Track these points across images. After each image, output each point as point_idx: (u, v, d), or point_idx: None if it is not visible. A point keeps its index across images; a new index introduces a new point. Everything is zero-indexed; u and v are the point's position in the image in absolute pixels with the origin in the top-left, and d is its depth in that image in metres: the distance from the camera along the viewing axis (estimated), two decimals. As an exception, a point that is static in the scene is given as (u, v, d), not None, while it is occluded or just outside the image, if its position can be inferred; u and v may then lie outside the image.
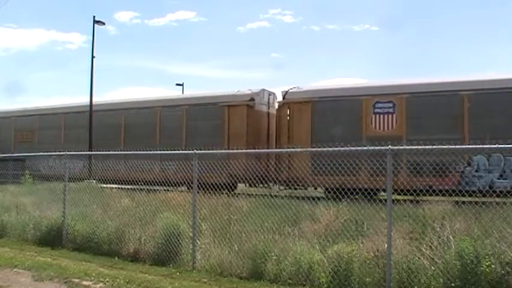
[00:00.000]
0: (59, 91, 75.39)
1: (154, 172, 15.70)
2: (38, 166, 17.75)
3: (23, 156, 15.59)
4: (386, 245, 5.63)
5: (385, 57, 63.35)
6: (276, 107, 17.28)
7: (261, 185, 15.03)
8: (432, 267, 5.55)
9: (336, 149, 7.24)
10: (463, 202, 7.61)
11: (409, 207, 7.83)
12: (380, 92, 14.79)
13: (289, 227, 7.14)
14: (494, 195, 7.43)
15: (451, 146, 6.45)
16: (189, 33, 69.71)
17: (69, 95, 77.89)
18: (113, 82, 70.92)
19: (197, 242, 7.04)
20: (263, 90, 17.42)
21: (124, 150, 16.94)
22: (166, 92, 50.36)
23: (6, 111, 24.50)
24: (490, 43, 60.41)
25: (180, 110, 18.19)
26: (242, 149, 13.97)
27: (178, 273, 6.72)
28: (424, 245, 5.91)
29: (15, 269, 7.08)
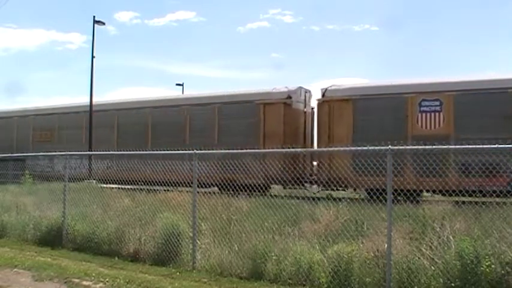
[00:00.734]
0: (59, 91, 75.41)
1: (183, 173, 15.04)
2: (57, 166, 17.29)
3: (23, 156, 15.58)
4: (386, 245, 5.63)
5: (385, 57, 63.36)
6: (312, 105, 16.81)
7: (298, 187, 14.31)
8: (432, 267, 5.55)
9: (335, 149, 7.19)
10: (463, 202, 7.60)
11: (409, 207, 7.83)
12: (426, 89, 14.26)
13: (289, 227, 7.14)
14: (494, 195, 7.35)
15: (451, 146, 6.41)
16: (189, 33, 69.73)
17: (69, 95, 77.93)
18: (113, 82, 70.92)
19: (197, 242, 7.04)
20: (300, 87, 16.78)
21: (151, 150, 16.13)
22: (167, 92, 50.29)
23: (23, 109, 23.73)
24: (490, 43, 60.43)
25: (211, 109, 17.48)
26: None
27: (178, 273, 6.72)
28: (424, 245, 5.91)
29: (15, 269, 7.08)
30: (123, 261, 7.56)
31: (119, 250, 7.87)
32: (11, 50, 69.80)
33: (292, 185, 13.89)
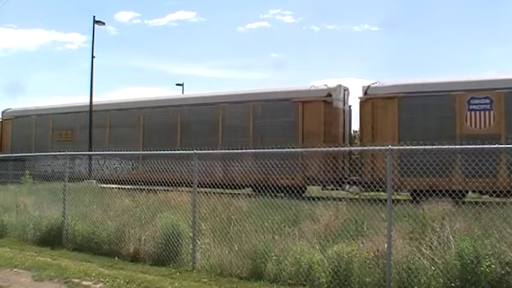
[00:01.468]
0: (59, 91, 75.39)
1: (216, 175, 14.57)
2: (78, 168, 17.11)
3: (23, 156, 15.55)
4: (386, 245, 5.63)
5: (385, 57, 63.36)
6: (349, 103, 16.48)
7: (337, 187, 14.07)
8: (432, 267, 5.55)
9: (336, 149, 7.15)
10: (463, 202, 7.59)
11: (409, 207, 7.82)
12: (475, 87, 13.75)
13: (289, 227, 7.13)
14: (494, 195, 7.28)
15: (450, 146, 6.39)
16: (189, 33, 69.72)
17: (69, 95, 77.86)
18: (113, 82, 70.94)
19: (197, 242, 7.04)
20: (339, 85, 16.16)
21: (182, 150, 16.00)
22: (167, 92, 50.23)
23: (43, 108, 22.88)
24: (490, 43, 60.41)
25: (246, 107, 16.79)
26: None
27: (178, 273, 6.72)
28: (424, 245, 5.90)
29: (15, 269, 7.08)
30: (123, 261, 7.56)
31: (119, 250, 7.87)
32: (11, 50, 69.83)
33: (334, 185, 13.44)
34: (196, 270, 6.81)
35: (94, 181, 13.09)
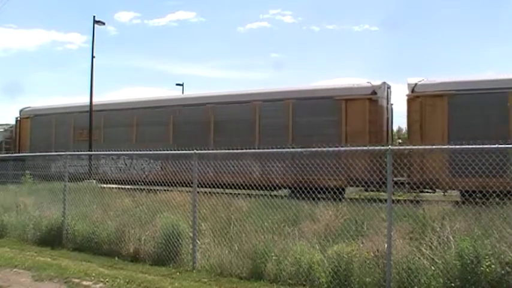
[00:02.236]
0: (59, 91, 75.41)
1: (254, 175, 13.92)
2: (103, 168, 16.83)
3: (23, 156, 15.55)
4: (386, 245, 5.63)
5: (385, 57, 63.39)
6: (391, 101, 16.06)
7: (380, 189, 13.55)
8: (432, 267, 5.55)
9: (336, 149, 7.09)
10: (463, 202, 7.58)
11: (409, 207, 7.82)
12: None
13: (289, 227, 7.13)
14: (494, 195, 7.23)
15: (450, 146, 6.37)
16: (189, 33, 69.79)
17: (69, 95, 77.91)
18: (113, 82, 70.99)
19: (197, 242, 7.04)
20: (384, 82, 15.60)
21: (215, 149, 14.75)
22: (167, 92, 50.19)
23: (64, 106, 22.25)
24: (490, 43, 60.43)
25: (285, 105, 16.13)
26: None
27: (178, 273, 6.72)
28: (424, 245, 5.90)
29: (15, 269, 7.08)
30: (123, 261, 7.56)
31: (119, 250, 7.87)
32: (11, 50, 69.86)
33: (378, 186, 12.85)
34: (196, 270, 6.81)
35: (94, 181, 13.08)
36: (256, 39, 70.62)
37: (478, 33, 63.35)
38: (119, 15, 67.90)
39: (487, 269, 5.27)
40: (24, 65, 71.73)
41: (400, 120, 31.43)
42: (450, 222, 6.45)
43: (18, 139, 22.82)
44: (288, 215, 7.55)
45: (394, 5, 61.41)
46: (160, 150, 14.33)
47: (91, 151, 18.76)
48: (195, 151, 7.54)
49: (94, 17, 22.45)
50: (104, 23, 23.10)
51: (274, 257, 6.34)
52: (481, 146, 5.78)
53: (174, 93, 32.97)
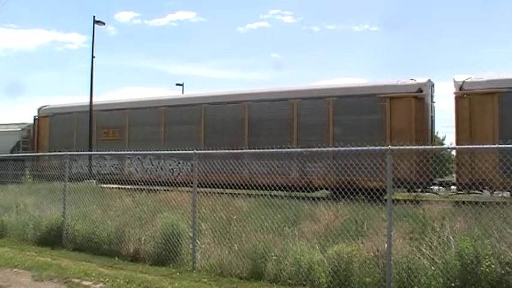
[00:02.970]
0: (59, 91, 75.42)
1: (292, 176, 13.73)
2: (128, 169, 16.43)
3: (23, 156, 15.53)
4: (386, 245, 5.63)
5: (385, 57, 63.37)
6: (434, 99, 15.55)
7: (426, 190, 13.27)
8: (432, 267, 5.55)
9: (336, 149, 7.07)
10: (463, 202, 7.58)
11: (409, 207, 7.82)
12: None
13: (289, 227, 7.13)
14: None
15: (449, 146, 6.36)
16: (189, 33, 69.77)
17: (70, 95, 77.93)
18: (113, 82, 70.93)
19: (197, 242, 7.04)
20: (429, 80, 15.08)
21: (250, 149, 14.63)
22: (167, 92, 50.18)
23: (85, 104, 21.34)
24: (490, 43, 60.43)
25: (325, 103, 15.53)
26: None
27: (178, 273, 6.72)
28: (424, 245, 5.90)
29: (15, 269, 7.08)
30: (123, 261, 7.56)
31: (119, 250, 7.87)
32: (11, 50, 69.85)
33: (423, 187, 12.48)
34: (196, 270, 6.81)
35: (94, 181, 13.08)
36: (256, 39, 70.65)
37: (478, 33, 63.37)
38: (119, 15, 67.92)
39: (487, 269, 5.27)
40: (24, 65, 71.75)
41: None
42: (450, 222, 6.45)
43: (37, 139, 22.06)
44: (288, 215, 7.54)
45: (394, 5, 61.42)
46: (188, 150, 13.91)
47: (91, 151, 18.73)
48: (195, 151, 7.54)
49: (94, 17, 22.44)
50: (104, 23, 23.11)
51: (274, 257, 6.35)
52: (481, 146, 5.79)
53: (175, 93, 32.97)
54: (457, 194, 12.79)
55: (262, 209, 7.62)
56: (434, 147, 7.95)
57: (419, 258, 5.67)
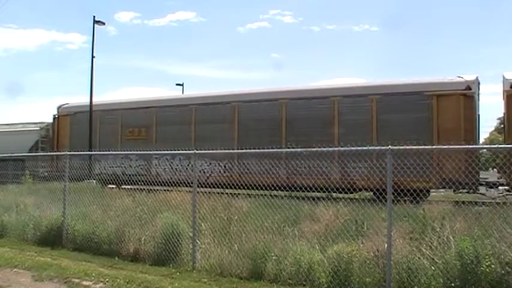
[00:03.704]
0: (59, 91, 75.47)
1: (334, 177, 12.97)
2: (156, 170, 15.98)
3: (23, 156, 15.50)
4: (386, 245, 5.63)
5: (385, 57, 63.43)
6: (481, 96, 15.04)
7: (472, 191, 12.89)
8: (432, 267, 5.55)
9: (336, 149, 7.01)
10: (463, 202, 7.57)
11: (409, 207, 7.82)
12: None
13: (289, 227, 7.13)
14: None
15: (450, 146, 6.32)
16: (189, 33, 69.89)
17: (70, 95, 77.98)
18: (113, 82, 71.02)
19: (197, 242, 7.04)
20: (477, 78, 14.67)
21: (287, 148, 13.97)
22: (167, 92, 50.18)
23: (110, 103, 21.01)
24: (490, 43, 60.43)
25: (367, 101, 15.06)
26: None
27: (178, 273, 6.73)
28: (424, 245, 5.90)
29: (15, 269, 7.08)
30: (123, 261, 7.56)
31: (119, 250, 7.88)
32: (11, 51, 69.92)
33: (474, 188, 12.14)
34: (196, 270, 6.82)
35: (94, 181, 13.06)
36: (256, 39, 70.72)
37: (478, 33, 63.38)
38: (119, 15, 68.04)
39: (487, 269, 5.27)
40: (24, 65, 71.82)
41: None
42: (450, 222, 6.45)
43: (57, 138, 21.41)
44: (288, 215, 7.55)
45: (394, 5, 61.49)
46: (220, 150, 13.02)
47: (91, 151, 18.67)
48: (195, 151, 7.53)
49: (94, 17, 22.48)
50: (104, 23, 23.14)
51: (274, 257, 6.35)
52: (481, 146, 5.78)
53: (175, 93, 32.98)
54: (507, 195, 12.33)
55: (262, 209, 7.62)
56: (434, 147, 7.77)
57: (419, 258, 5.67)
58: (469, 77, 14.39)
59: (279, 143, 15.17)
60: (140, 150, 15.58)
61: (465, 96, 13.98)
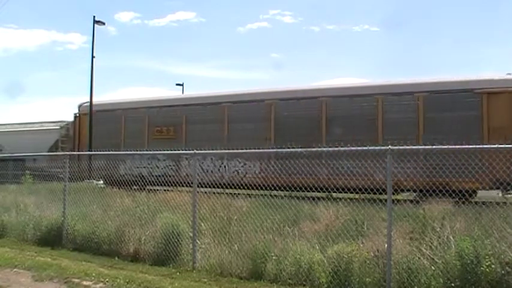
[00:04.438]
0: (60, 91, 75.46)
1: (377, 177, 12.02)
2: (186, 170, 15.40)
3: (23, 156, 15.47)
4: (386, 245, 5.63)
5: (385, 57, 63.38)
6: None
7: None
8: (432, 267, 5.55)
9: (336, 149, 7.00)
10: (463, 202, 7.56)
11: (409, 207, 7.82)
12: None
13: (289, 227, 7.13)
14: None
15: (445, 146, 6.30)
16: (189, 33, 69.78)
17: (70, 95, 77.93)
18: (113, 82, 70.94)
19: (197, 242, 7.04)
20: None
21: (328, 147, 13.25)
22: (167, 92, 50.14)
23: (134, 101, 20.31)
24: (489, 43, 60.44)
25: (414, 99, 14.58)
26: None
27: (178, 273, 6.72)
28: (424, 245, 5.90)
29: (15, 269, 7.08)
30: (123, 261, 7.56)
31: (119, 250, 7.87)
32: (11, 51, 69.88)
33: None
34: (196, 270, 6.82)
35: (94, 181, 13.06)
36: (256, 39, 70.67)
37: (478, 33, 63.38)
38: (119, 16, 67.95)
39: (487, 269, 5.27)
40: (24, 65, 71.79)
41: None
42: (450, 222, 6.45)
43: (78, 137, 20.81)
44: (288, 215, 7.54)
45: (394, 5, 61.44)
46: (254, 149, 12.74)
47: (91, 151, 18.64)
48: (195, 151, 7.53)
49: (94, 17, 22.46)
50: (104, 23, 23.14)
51: (274, 257, 6.34)
52: (481, 146, 5.78)
53: (175, 93, 32.96)
54: None
55: (262, 209, 7.63)
56: (434, 147, 7.59)
57: (419, 258, 5.67)
58: None
59: (318, 143, 14.48)
60: (169, 150, 14.94)
61: None
